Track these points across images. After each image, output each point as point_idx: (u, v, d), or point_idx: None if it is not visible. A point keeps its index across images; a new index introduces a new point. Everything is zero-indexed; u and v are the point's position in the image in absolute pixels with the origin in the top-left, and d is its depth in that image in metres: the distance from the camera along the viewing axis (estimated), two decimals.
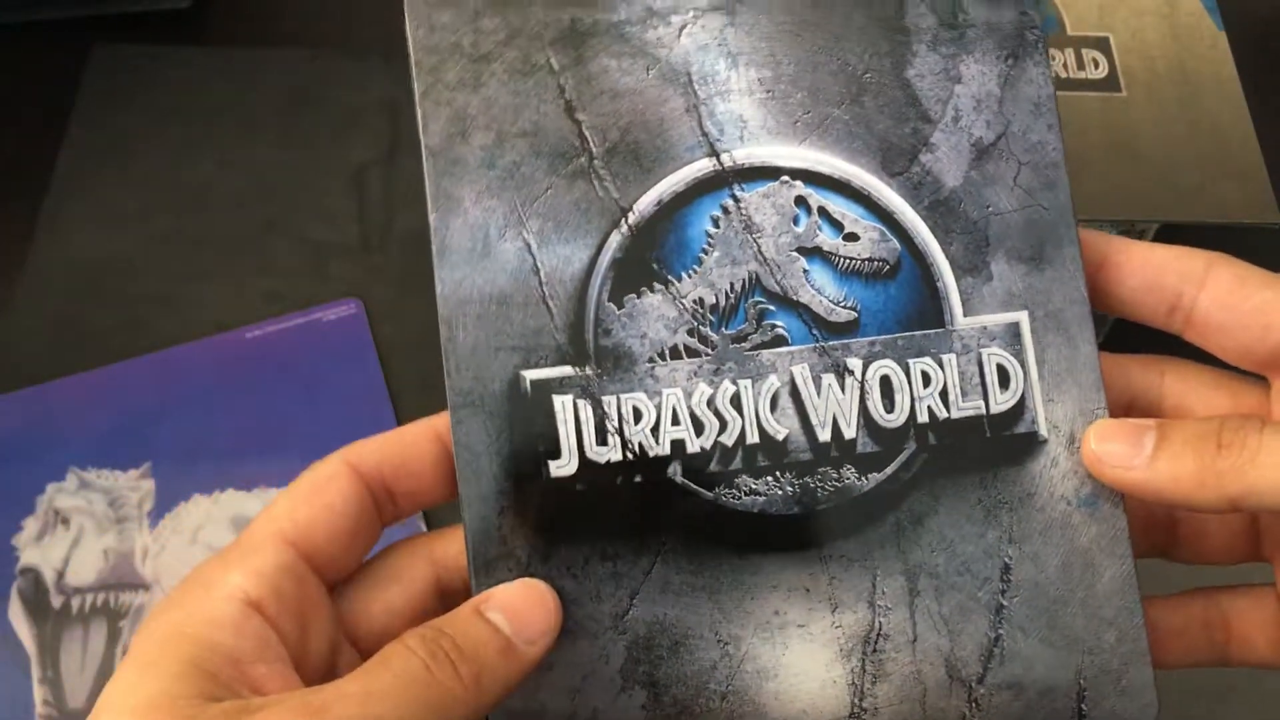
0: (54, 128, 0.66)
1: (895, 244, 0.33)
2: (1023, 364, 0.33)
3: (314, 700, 0.26)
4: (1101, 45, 0.56)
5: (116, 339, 0.60)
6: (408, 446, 0.32)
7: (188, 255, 0.63)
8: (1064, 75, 0.55)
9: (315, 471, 0.32)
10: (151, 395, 0.58)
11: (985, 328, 0.33)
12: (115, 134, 0.66)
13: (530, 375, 0.32)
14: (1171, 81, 0.55)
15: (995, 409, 0.33)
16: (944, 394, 0.32)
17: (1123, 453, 0.30)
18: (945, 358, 0.33)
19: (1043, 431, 0.33)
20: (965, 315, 0.33)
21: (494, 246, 0.32)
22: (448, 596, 0.32)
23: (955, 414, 0.32)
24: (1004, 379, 0.33)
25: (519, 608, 0.29)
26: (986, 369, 0.33)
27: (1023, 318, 0.33)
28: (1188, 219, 0.52)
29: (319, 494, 0.31)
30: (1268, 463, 0.28)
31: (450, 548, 0.32)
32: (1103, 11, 0.57)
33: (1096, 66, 0.56)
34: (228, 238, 0.64)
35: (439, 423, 0.32)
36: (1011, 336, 0.33)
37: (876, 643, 0.31)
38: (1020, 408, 0.33)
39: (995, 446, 0.32)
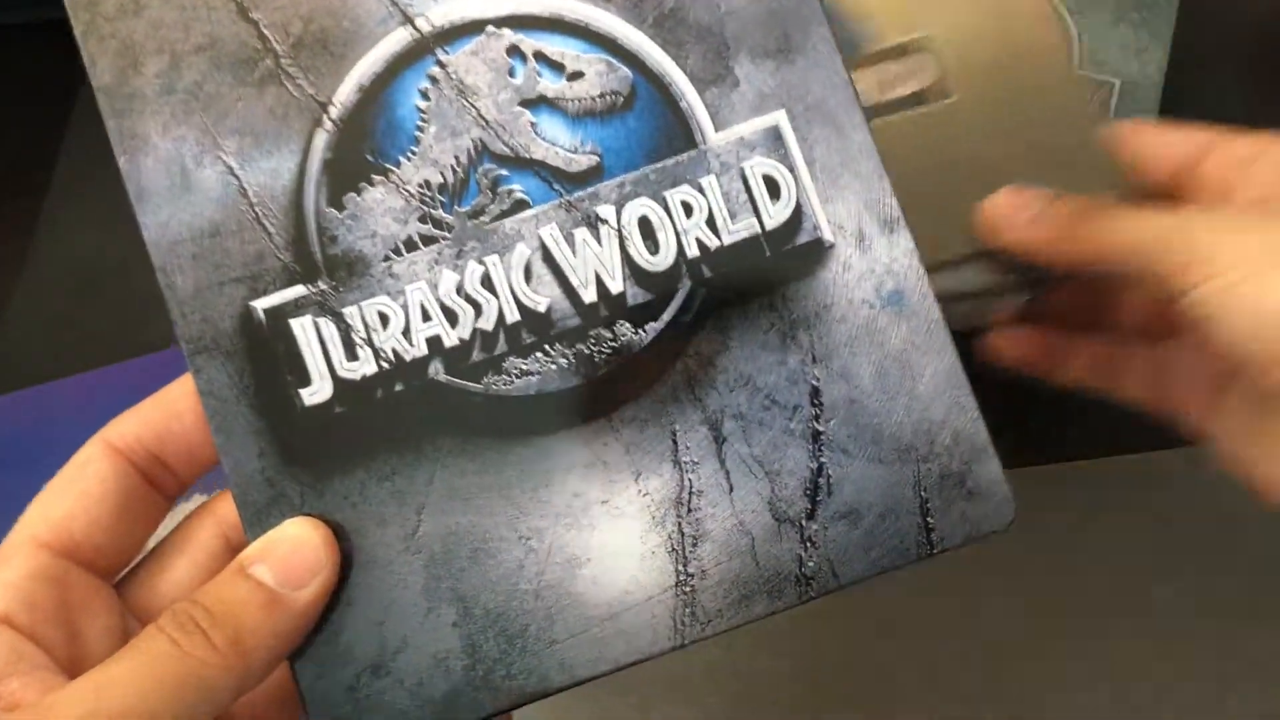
0: (54, 128, 0.66)
1: (625, 71, 0.30)
2: (791, 168, 0.29)
3: (43, 704, 0.24)
4: (920, 49, 0.46)
5: (116, 339, 0.59)
6: (169, 410, 0.30)
7: None
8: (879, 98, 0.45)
9: (72, 460, 0.30)
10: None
11: (742, 138, 0.30)
12: None
13: (261, 304, 0.29)
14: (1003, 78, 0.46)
15: (770, 224, 0.29)
16: (710, 221, 0.29)
17: (1011, 210, 0.33)
18: (705, 181, 0.29)
19: (827, 236, 0.29)
20: (717, 130, 0.30)
21: (193, 177, 0.29)
22: None
23: (728, 239, 0.29)
24: (774, 189, 0.29)
25: (281, 554, 0.27)
26: (752, 182, 0.29)
27: (780, 117, 0.30)
28: None
29: (74, 484, 0.29)
30: (1122, 226, 0.30)
31: (232, 504, 0.30)
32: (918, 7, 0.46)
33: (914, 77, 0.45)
34: None
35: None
36: (773, 141, 0.30)
37: (690, 502, 0.29)
38: (798, 216, 0.29)
39: (779, 263, 0.29)
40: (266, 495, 0.29)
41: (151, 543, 0.31)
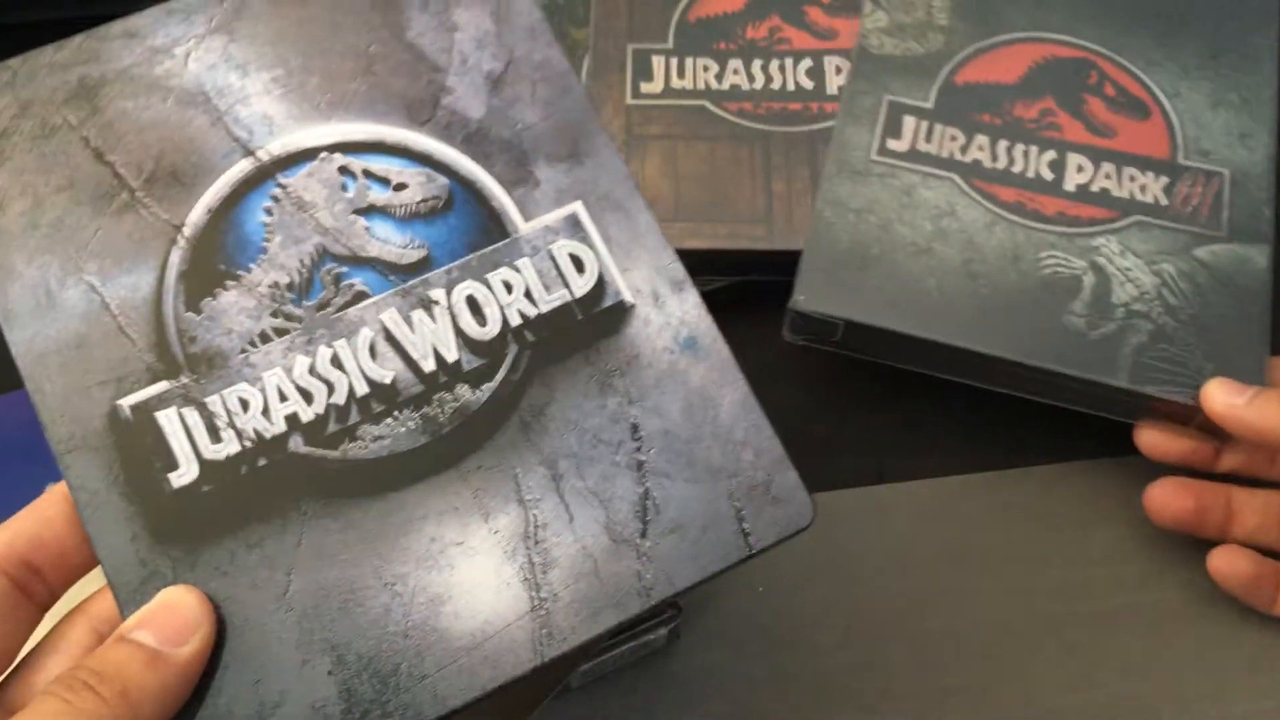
0: None
1: (443, 180, 0.35)
2: (591, 246, 0.35)
3: None
4: None
5: None
6: (40, 518, 0.32)
7: None
8: None
9: None
10: None
11: (548, 226, 0.35)
12: None
13: (127, 402, 0.32)
14: None
15: (579, 292, 0.35)
16: (529, 294, 0.34)
17: (1231, 394, 0.40)
18: (520, 263, 0.35)
19: (628, 298, 0.35)
20: (527, 221, 0.35)
21: (57, 297, 0.33)
22: None
23: (545, 308, 0.34)
24: (579, 264, 0.35)
25: (160, 618, 0.29)
26: (560, 260, 0.35)
27: (577, 207, 0.35)
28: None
29: None
30: None
31: (104, 600, 0.32)
32: None
33: None
34: None
35: (64, 484, 0.32)
36: (573, 226, 0.35)
37: (536, 535, 0.32)
38: (601, 284, 0.35)
39: (590, 324, 0.34)
40: (140, 575, 0.31)
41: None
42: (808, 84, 0.49)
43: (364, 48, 0.36)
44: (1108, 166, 0.45)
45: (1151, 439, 0.44)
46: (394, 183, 0.35)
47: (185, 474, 0.32)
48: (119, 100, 0.35)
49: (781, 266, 0.47)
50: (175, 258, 0.33)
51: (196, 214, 0.34)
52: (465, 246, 0.35)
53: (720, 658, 0.44)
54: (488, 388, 0.33)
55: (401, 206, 0.35)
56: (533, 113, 0.36)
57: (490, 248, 0.35)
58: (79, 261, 0.33)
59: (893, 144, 0.45)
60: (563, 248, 0.35)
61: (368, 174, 0.35)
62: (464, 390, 0.33)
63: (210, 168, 0.34)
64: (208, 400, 0.32)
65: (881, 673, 0.44)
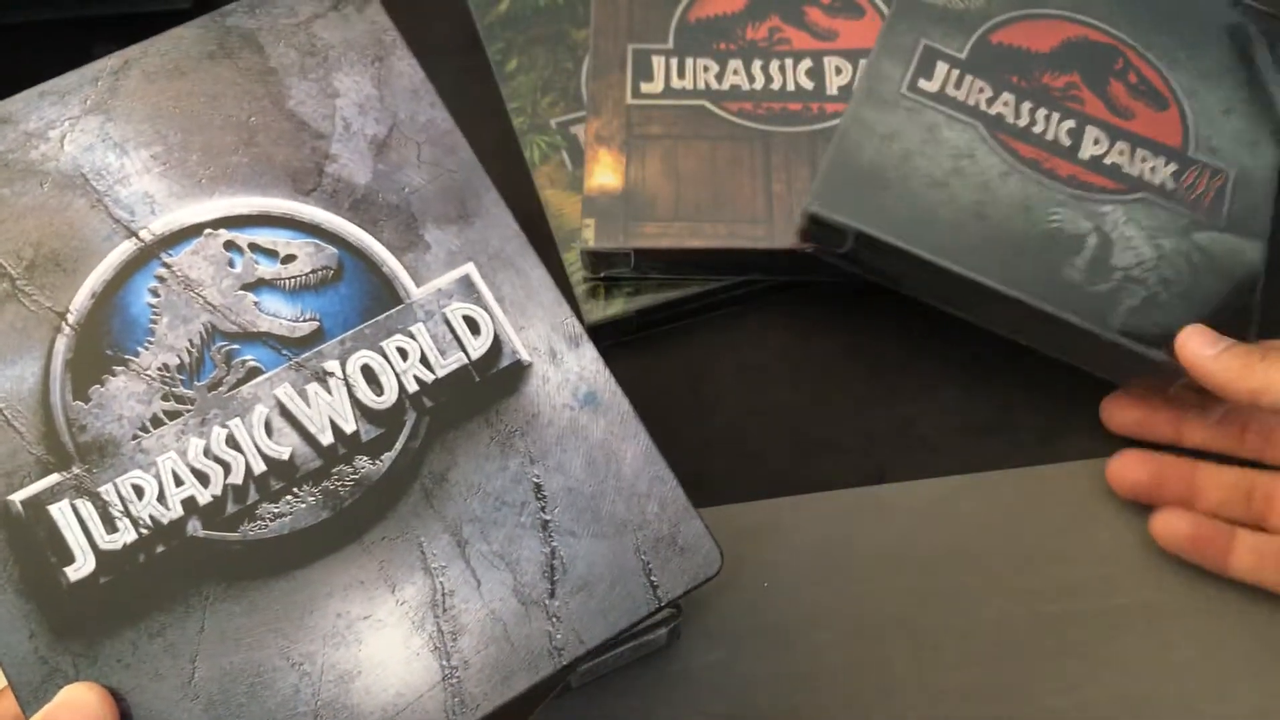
0: None
1: (331, 250, 0.35)
2: (485, 307, 0.35)
3: None
4: None
5: None
6: None
7: None
8: None
9: None
10: None
11: (440, 289, 0.35)
12: None
13: (18, 497, 0.32)
14: None
15: (475, 354, 0.35)
16: (424, 359, 0.34)
17: (1204, 344, 0.41)
18: (414, 328, 0.35)
19: (525, 356, 0.35)
20: (418, 286, 0.35)
21: None
22: None
23: (441, 372, 0.34)
24: (473, 326, 0.35)
25: (60, 716, 0.29)
26: (454, 324, 0.35)
27: (470, 268, 0.35)
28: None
29: None
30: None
31: (5, 701, 0.31)
32: None
33: None
34: None
35: None
36: (466, 288, 0.35)
37: (444, 602, 0.32)
38: (497, 345, 0.35)
39: (488, 386, 0.34)
40: (41, 673, 0.30)
41: None
42: (808, 84, 0.49)
43: (245, 119, 0.36)
44: (1122, 144, 0.47)
45: (1113, 408, 0.46)
46: (282, 255, 0.35)
47: (82, 567, 0.31)
48: None
49: (782, 267, 0.47)
50: (60, 345, 0.33)
51: (80, 299, 0.33)
52: (358, 315, 0.35)
53: (720, 658, 0.44)
54: (388, 457, 0.33)
55: (291, 279, 0.35)
56: (419, 175, 0.36)
57: (383, 315, 0.35)
58: None
59: (924, 84, 0.47)
60: (456, 310, 0.35)
61: (254, 248, 0.35)
62: (363, 461, 0.33)
63: (92, 251, 0.34)
64: (101, 490, 0.32)
65: (881, 673, 0.44)
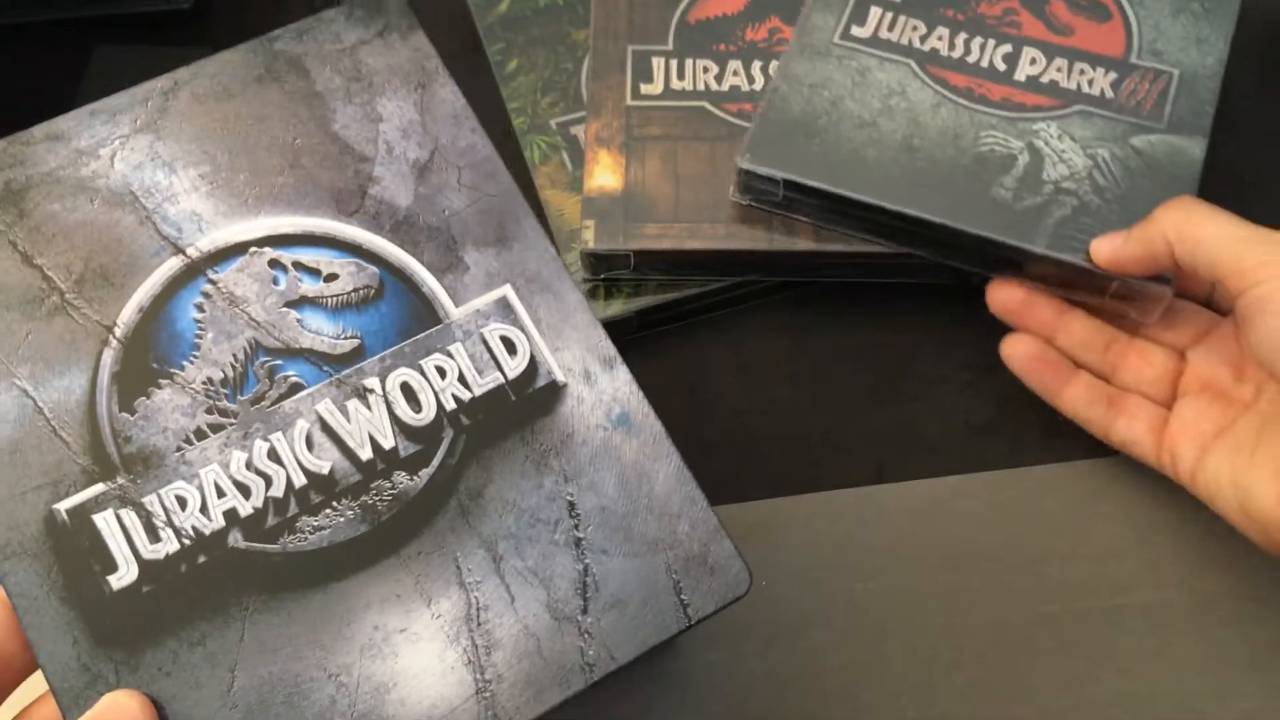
0: None
1: (373, 269, 0.36)
2: (522, 329, 0.36)
3: None
4: None
5: None
6: None
7: None
8: None
9: None
10: None
11: (478, 310, 0.36)
12: None
13: (64, 506, 0.32)
14: None
15: (512, 374, 0.35)
16: (462, 378, 0.35)
17: (1112, 241, 0.42)
18: (453, 348, 0.35)
19: (560, 377, 0.35)
20: (457, 306, 0.36)
21: None
22: None
23: (478, 391, 0.35)
24: (510, 347, 0.36)
25: None
26: (492, 344, 0.35)
27: (507, 290, 0.36)
28: None
29: None
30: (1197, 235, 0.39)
31: (48, 706, 0.32)
32: None
33: None
34: None
35: (2, 590, 0.32)
36: (504, 310, 0.36)
37: (479, 617, 0.33)
38: (533, 366, 0.35)
39: (523, 406, 0.35)
40: (83, 679, 0.31)
41: None
42: None
43: (290, 141, 0.37)
44: (1060, 61, 0.48)
45: (998, 287, 0.45)
46: (324, 274, 0.36)
47: (125, 575, 0.32)
48: (46, 203, 0.35)
49: (781, 267, 0.48)
50: (108, 358, 0.34)
51: (128, 313, 0.34)
52: (398, 334, 0.35)
53: (720, 657, 0.44)
54: (425, 473, 0.34)
55: (333, 297, 0.35)
56: (459, 199, 0.37)
57: (423, 334, 0.35)
58: (10, 366, 0.33)
59: (856, 30, 0.48)
60: (494, 331, 0.36)
61: (298, 266, 0.36)
62: (401, 477, 0.34)
63: (140, 267, 0.35)
64: (145, 500, 0.32)
65: (880, 672, 0.44)
